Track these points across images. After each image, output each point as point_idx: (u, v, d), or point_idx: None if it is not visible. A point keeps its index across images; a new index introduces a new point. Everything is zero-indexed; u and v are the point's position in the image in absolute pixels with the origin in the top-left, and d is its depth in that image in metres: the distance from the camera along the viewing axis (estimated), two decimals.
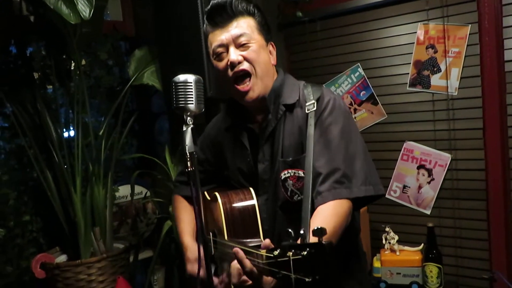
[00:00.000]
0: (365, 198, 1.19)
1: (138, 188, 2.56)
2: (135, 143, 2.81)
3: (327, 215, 1.12)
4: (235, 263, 1.03)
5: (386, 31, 2.42)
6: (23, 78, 2.21)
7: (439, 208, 2.35)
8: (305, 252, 0.78)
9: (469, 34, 2.18)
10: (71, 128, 2.25)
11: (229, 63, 1.23)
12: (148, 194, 2.55)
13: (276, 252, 0.84)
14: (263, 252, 0.92)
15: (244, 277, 1.03)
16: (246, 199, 1.30)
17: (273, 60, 1.32)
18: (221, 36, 1.24)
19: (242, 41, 1.23)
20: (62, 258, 2.20)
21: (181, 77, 1.05)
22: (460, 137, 2.27)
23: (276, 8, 2.68)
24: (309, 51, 2.66)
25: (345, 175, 1.17)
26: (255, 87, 1.25)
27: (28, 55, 2.26)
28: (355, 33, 2.51)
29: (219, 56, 1.27)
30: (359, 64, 2.51)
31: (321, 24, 2.60)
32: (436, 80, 2.30)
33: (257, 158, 1.34)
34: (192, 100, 1.04)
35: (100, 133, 2.24)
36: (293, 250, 0.79)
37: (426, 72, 2.32)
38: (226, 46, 1.24)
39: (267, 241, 0.98)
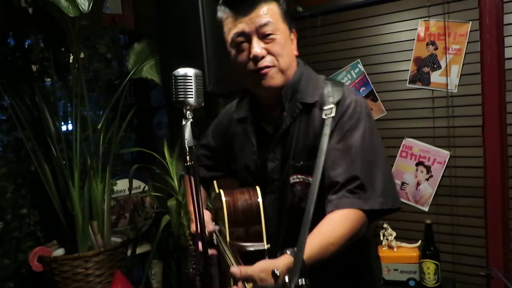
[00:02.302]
0: (381, 210, 1.10)
1: (136, 182, 2.55)
2: (134, 137, 2.80)
3: (336, 220, 1.04)
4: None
5: (386, 27, 2.41)
6: (21, 70, 2.20)
7: (437, 205, 2.35)
8: None
9: (470, 31, 2.17)
10: (70, 122, 2.25)
11: (251, 56, 1.13)
12: (146, 188, 2.55)
13: None
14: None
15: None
16: (251, 200, 1.25)
17: (295, 49, 1.21)
18: (242, 24, 1.13)
19: (266, 31, 1.12)
20: (59, 252, 2.20)
21: (181, 71, 1.03)
22: (459, 135, 2.26)
23: None
24: (309, 46, 2.65)
25: (361, 185, 1.08)
26: (275, 76, 1.16)
27: (26, 47, 2.25)
28: (355, 29, 2.50)
29: (238, 46, 1.15)
30: (359, 60, 2.50)
31: (322, 20, 2.59)
32: (436, 77, 2.30)
33: (267, 156, 1.26)
34: (192, 94, 1.02)
35: (99, 126, 2.24)
36: None
37: (426, 69, 2.32)
38: (248, 36, 1.13)
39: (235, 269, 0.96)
